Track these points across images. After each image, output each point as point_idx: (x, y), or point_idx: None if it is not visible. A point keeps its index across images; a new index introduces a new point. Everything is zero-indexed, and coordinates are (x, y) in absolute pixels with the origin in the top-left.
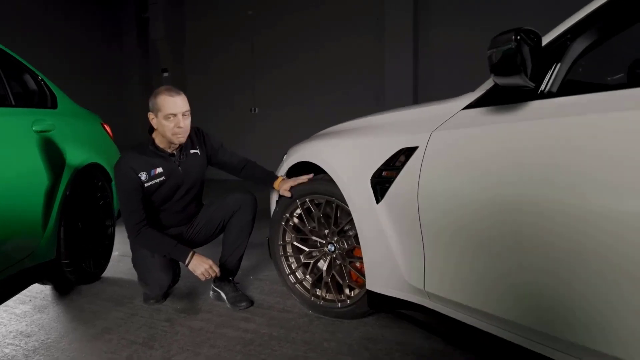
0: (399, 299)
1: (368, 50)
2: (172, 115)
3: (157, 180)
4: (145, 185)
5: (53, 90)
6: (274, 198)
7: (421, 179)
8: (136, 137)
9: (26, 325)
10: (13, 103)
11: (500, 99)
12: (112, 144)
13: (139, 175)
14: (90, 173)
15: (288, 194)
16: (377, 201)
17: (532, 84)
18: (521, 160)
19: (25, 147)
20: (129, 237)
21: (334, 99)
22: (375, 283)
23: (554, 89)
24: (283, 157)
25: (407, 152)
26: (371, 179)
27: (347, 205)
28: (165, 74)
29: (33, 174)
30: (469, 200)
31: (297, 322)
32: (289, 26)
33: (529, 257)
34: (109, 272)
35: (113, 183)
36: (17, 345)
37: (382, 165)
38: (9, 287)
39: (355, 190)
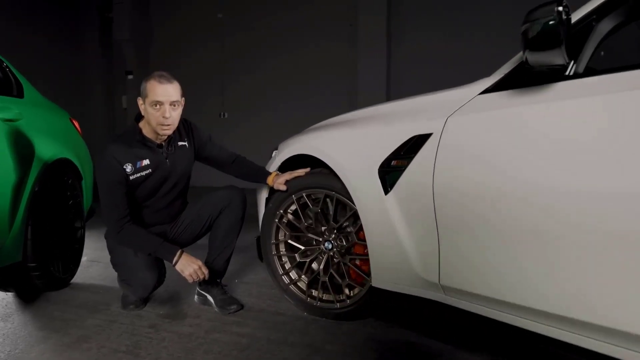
0: (408, 295)
1: (340, 55)
2: (158, 103)
3: (143, 173)
4: (130, 178)
5: (19, 79)
6: (263, 196)
7: (437, 167)
8: (100, 140)
9: None
10: None
11: (521, 83)
12: (82, 141)
13: (124, 167)
14: (60, 169)
15: (283, 188)
16: (386, 192)
17: (568, 60)
18: (550, 143)
19: None
20: (108, 234)
21: (305, 104)
22: (381, 279)
23: (580, 70)
24: (272, 153)
25: (419, 140)
26: (379, 169)
27: (350, 199)
28: (130, 77)
29: None
30: (490, 187)
31: (294, 325)
32: (260, 30)
33: (557, 244)
34: (79, 277)
35: (83, 181)
36: None
37: (391, 154)
38: None
39: (360, 182)
